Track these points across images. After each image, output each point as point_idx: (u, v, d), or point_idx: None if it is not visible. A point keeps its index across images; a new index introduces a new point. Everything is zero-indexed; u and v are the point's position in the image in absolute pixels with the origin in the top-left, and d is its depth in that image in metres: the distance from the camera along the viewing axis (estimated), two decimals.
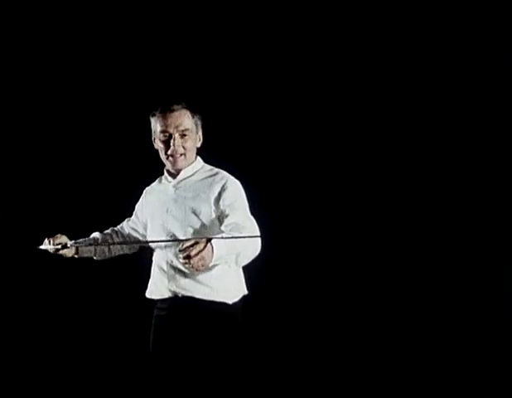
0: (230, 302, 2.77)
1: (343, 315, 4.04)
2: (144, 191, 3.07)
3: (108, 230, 3.11)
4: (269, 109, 4.07)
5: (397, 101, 4.03)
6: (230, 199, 2.74)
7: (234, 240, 2.52)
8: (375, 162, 4.04)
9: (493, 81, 3.89)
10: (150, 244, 2.88)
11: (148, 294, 2.90)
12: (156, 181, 3.03)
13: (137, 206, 3.09)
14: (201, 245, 2.46)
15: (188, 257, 2.45)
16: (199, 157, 2.94)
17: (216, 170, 2.88)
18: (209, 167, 2.92)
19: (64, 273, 3.98)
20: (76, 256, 2.96)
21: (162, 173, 2.99)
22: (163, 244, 2.79)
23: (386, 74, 4.03)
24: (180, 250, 2.48)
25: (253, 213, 2.80)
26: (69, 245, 2.84)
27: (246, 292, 2.86)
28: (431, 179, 4.00)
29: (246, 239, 2.55)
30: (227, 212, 2.70)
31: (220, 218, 2.73)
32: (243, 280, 2.87)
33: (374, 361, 4.01)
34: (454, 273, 3.95)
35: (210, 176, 2.85)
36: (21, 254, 3.96)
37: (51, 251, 2.83)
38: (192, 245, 2.46)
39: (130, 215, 3.13)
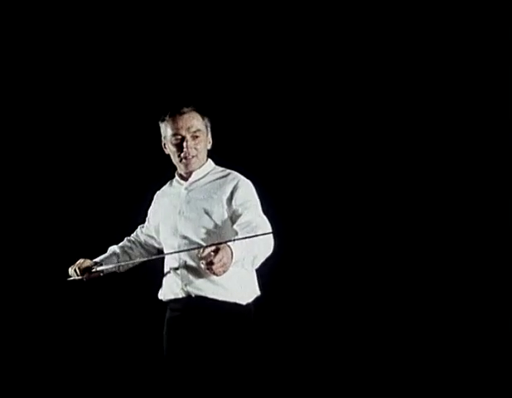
0: (244, 302, 2.78)
1: (354, 316, 4.07)
2: (155, 196, 3.08)
3: (124, 242, 3.12)
4: (277, 111, 4.10)
5: (404, 100, 4.06)
6: (242, 198, 2.75)
7: (249, 241, 2.52)
8: (382, 163, 4.08)
9: (493, 81, 3.93)
10: (167, 251, 2.87)
11: (161, 296, 2.90)
12: (167, 184, 3.04)
13: (149, 212, 3.10)
14: (223, 252, 2.44)
15: (210, 263, 2.44)
16: (210, 159, 2.95)
17: (228, 171, 2.90)
18: (220, 168, 2.94)
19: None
20: (102, 274, 2.99)
21: (172, 177, 3.00)
22: (176, 245, 2.80)
23: (389, 74, 4.08)
24: (201, 258, 2.46)
25: (264, 214, 2.80)
26: (93, 271, 2.92)
27: (259, 293, 2.87)
28: (435, 180, 4.04)
29: (260, 239, 2.55)
30: (239, 211, 2.71)
31: (233, 218, 2.73)
32: (256, 281, 2.88)
33: (381, 361, 4.04)
34: (454, 272, 3.98)
35: (222, 177, 2.86)
36: (33, 260, 3.98)
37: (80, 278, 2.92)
38: (213, 251, 2.45)
39: (141, 222, 3.13)
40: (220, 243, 2.47)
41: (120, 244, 3.12)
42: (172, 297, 2.83)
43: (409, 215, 4.04)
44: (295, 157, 4.09)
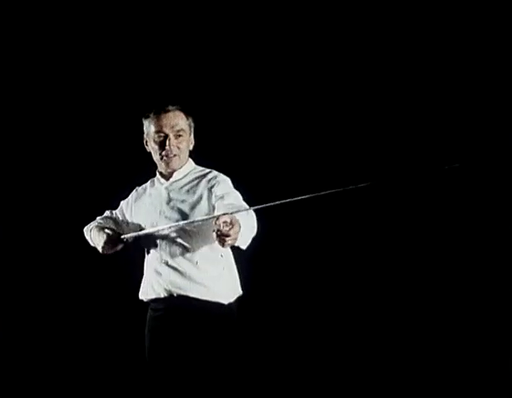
0: (226, 302, 2.79)
1: (337, 313, 4.05)
2: (135, 192, 3.06)
3: (108, 213, 3.10)
4: (258, 112, 4.10)
5: (390, 102, 4.05)
6: (222, 191, 2.75)
7: (244, 218, 2.52)
8: (371, 161, 4.03)
9: (493, 81, 3.90)
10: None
11: (142, 295, 2.91)
12: (148, 183, 3.03)
13: (123, 203, 3.07)
14: (238, 226, 2.44)
15: (226, 235, 2.42)
16: (190, 159, 2.96)
17: (208, 170, 2.91)
18: (200, 168, 2.95)
19: (55, 275, 4.06)
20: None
21: (154, 175, 3.01)
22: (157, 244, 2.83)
23: (382, 76, 4.06)
24: (218, 229, 2.42)
25: None
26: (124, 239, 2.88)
27: (241, 293, 2.88)
28: (432, 180, 3.97)
29: (250, 219, 2.58)
30: (221, 198, 2.71)
31: (215, 207, 2.72)
32: (239, 281, 2.89)
33: (372, 360, 4.02)
34: (454, 272, 3.95)
35: (201, 176, 2.87)
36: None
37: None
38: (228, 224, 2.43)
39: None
40: (228, 213, 2.46)
41: (106, 215, 3.09)
42: (154, 296, 2.84)
43: (395, 213, 4.03)
44: (274, 159, 4.09)
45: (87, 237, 3.03)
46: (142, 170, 3.04)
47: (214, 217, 2.48)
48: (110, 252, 2.87)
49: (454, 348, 3.94)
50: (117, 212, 3.07)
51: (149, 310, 2.89)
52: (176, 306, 2.77)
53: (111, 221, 3.02)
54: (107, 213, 3.09)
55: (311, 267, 4.06)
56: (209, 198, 2.77)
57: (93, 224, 3.02)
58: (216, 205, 2.70)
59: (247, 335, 2.95)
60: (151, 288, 2.85)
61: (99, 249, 2.88)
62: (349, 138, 4.08)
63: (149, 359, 2.83)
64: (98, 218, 3.06)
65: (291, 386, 3.97)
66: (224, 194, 2.73)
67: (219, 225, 2.41)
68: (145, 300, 2.90)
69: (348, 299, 4.06)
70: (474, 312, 3.92)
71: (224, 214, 2.45)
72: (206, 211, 2.75)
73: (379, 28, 4.02)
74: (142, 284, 2.93)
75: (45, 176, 4.20)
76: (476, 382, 3.84)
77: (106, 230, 2.86)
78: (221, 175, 2.85)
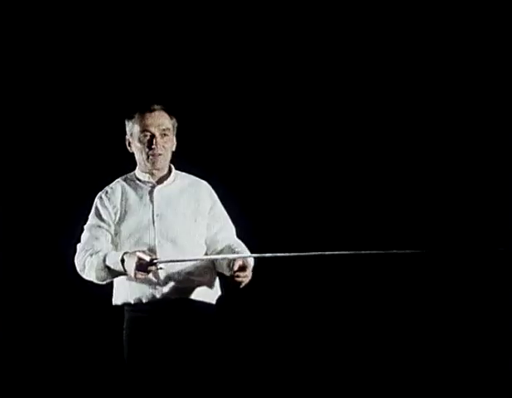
0: (214, 302, 2.85)
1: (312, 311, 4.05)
2: (109, 193, 2.91)
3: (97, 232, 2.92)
4: (237, 114, 4.10)
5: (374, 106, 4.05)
6: (219, 221, 2.91)
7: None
8: (363, 163, 4.07)
9: (493, 81, 3.90)
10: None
11: (125, 299, 2.83)
12: (124, 183, 2.93)
13: (106, 210, 2.89)
14: (250, 271, 2.71)
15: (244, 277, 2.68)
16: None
17: (193, 177, 2.95)
18: (181, 172, 2.96)
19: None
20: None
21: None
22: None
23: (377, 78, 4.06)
24: (234, 274, 2.66)
25: None
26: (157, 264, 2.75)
27: (220, 292, 2.91)
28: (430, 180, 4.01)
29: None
30: (222, 228, 2.90)
31: (213, 231, 2.89)
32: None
33: (371, 360, 4.02)
34: (454, 271, 3.91)
35: (192, 184, 2.92)
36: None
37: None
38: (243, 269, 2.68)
39: None
40: (244, 256, 2.74)
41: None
42: (145, 300, 2.79)
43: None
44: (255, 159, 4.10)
45: (90, 273, 2.83)
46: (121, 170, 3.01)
47: (230, 257, 2.73)
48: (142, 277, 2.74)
49: (454, 348, 3.93)
50: (103, 225, 2.89)
51: (131, 312, 2.83)
52: (174, 309, 2.76)
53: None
54: (97, 232, 2.88)
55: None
56: (206, 212, 2.89)
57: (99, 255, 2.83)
58: (219, 238, 2.87)
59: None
60: (140, 291, 2.79)
61: (131, 275, 2.69)
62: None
63: (142, 362, 2.77)
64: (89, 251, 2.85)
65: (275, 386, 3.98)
66: (224, 219, 2.91)
67: (236, 271, 2.66)
68: (132, 303, 2.82)
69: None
70: (474, 312, 3.91)
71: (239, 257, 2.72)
72: (203, 221, 2.87)
73: (379, 28, 4.01)
74: (121, 288, 2.86)
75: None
76: (476, 382, 3.82)
77: (138, 254, 2.69)
78: (213, 192, 2.94)
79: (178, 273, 2.76)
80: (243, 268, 2.65)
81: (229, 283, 2.75)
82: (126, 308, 2.85)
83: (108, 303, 2.90)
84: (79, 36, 4.07)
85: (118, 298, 2.87)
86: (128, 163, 2.95)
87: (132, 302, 2.83)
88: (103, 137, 3.93)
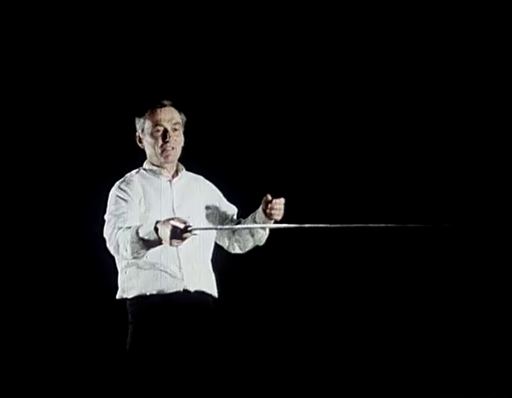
0: (216, 296, 2.91)
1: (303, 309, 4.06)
2: (130, 183, 2.90)
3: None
4: (240, 113, 4.12)
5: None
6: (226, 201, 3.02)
7: None
8: (365, 163, 4.09)
9: (493, 81, 3.91)
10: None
11: (140, 290, 2.78)
12: (139, 174, 2.93)
13: (129, 197, 2.87)
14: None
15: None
16: None
17: (190, 173, 2.99)
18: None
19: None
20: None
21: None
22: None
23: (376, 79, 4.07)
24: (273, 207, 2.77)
25: None
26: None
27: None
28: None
29: None
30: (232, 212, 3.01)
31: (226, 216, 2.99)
32: None
33: (371, 359, 4.02)
34: (454, 271, 3.94)
35: (194, 179, 2.98)
36: None
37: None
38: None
39: None
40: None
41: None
42: (166, 291, 2.77)
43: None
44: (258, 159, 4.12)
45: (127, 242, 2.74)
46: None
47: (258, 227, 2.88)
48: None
49: (454, 349, 3.93)
50: (129, 206, 2.86)
51: (149, 305, 2.78)
52: (194, 302, 2.78)
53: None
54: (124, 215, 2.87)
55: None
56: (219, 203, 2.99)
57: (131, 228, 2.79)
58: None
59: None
60: (158, 282, 2.77)
61: (166, 243, 2.64)
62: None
63: (155, 357, 2.72)
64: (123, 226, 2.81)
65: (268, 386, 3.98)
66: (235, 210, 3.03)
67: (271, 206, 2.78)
68: (147, 294, 2.78)
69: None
70: (474, 312, 3.92)
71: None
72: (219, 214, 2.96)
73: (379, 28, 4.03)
74: (134, 280, 2.82)
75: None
76: (476, 382, 3.82)
77: (172, 221, 2.62)
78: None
79: (198, 265, 2.81)
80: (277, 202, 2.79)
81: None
82: (139, 300, 2.79)
83: (108, 299, 2.90)
84: (87, 35, 4.08)
85: (129, 291, 2.82)
86: (128, 163, 2.97)
87: (148, 294, 2.79)
88: (103, 137, 3.98)
